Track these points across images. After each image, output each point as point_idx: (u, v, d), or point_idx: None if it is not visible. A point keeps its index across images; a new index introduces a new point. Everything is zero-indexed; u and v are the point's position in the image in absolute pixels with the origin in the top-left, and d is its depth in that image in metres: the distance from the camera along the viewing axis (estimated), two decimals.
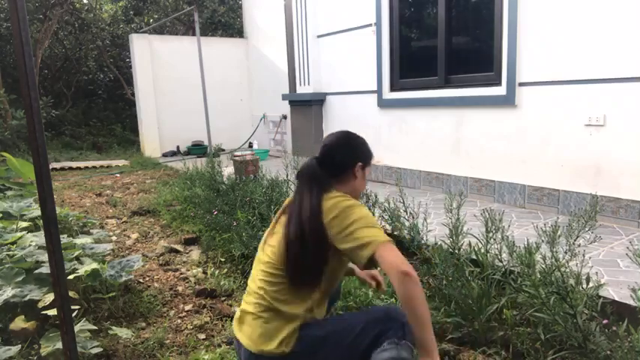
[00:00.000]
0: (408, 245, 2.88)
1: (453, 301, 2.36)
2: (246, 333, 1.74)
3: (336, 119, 6.38)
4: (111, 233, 4.35)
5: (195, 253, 3.79)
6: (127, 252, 3.93)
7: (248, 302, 1.80)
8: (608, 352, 1.83)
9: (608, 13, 3.54)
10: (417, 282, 1.54)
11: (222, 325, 2.67)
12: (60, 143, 10.86)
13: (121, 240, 4.24)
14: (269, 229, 1.90)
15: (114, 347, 2.44)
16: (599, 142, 3.70)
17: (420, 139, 5.20)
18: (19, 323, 2.40)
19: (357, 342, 1.62)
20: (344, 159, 1.87)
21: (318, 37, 6.48)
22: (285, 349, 1.66)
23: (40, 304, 2.42)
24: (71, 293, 2.53)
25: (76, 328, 2.17)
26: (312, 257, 1.68)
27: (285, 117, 8.39)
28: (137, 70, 9.07)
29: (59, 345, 2.07)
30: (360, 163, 1.89)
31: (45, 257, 2.65)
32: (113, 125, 12.11)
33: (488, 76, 4.50)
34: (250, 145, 9.26)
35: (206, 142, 8.34)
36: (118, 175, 7.67)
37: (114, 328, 2.47)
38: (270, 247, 1.80)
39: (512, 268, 2.33)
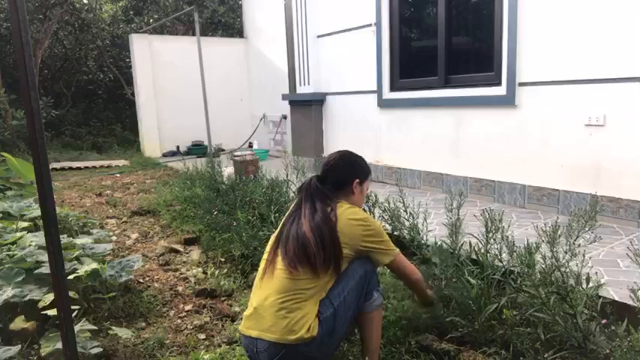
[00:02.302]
0: (408, 245, 2.88)
1: (452, 300, 2.36)
2: (268, 328, 1.82)
3: (336, 119, 6.38)
4: (111, 233, 4.35)
5: (195, 253, 3.79)
6: (127, 252, 3.93)
7: (262, 298, 1.88)
8: (608, 352, 1.83)
9: (608, 13, 3.54)
10: (422, 282, 2.25)
11: (222, 325, 2.68)
12: (60, 143, 10.86)
13: (121, 240, 4.24)
14: (270, 252, 2.02)
15: (114, 347, 2.44)
16: (599, 142, 3.69)
17: (420, 139, 5.20)
18: (19, 323, 2.40)
19: (356, 303, 1.96)
20: (342, 176, 2.10)
21: (318, 37, 6.48)
22: (313, 334, 1.80)
23: (40, 304, 2.42)
24: (71, 293, 2.53)
25: (76, 328, 2.17)
26: (335, 247, 1.90)
27: (285, 117, 8.39)
28: (137, 70, 9.07)
29: (59, 345, 2.07)
30: (357, 180, 2.11)
31: (45, 257, 2.65)
32: (113, 125, 12.11)
33: (488, 76, 4.50)
34: (250, 145, 9.26)
35: (206, 142, 8.34)
36: (118, 175, 7.68)
37: (114, 328, 2.47)
38: (279, 270, 1.91)
39: (512, 268, 2.33)
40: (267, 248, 2.04)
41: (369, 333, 2.05)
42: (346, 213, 1.98)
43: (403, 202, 3.03)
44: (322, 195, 2.01)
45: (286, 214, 2.10)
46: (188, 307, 2.91)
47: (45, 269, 2.61)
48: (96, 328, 2.45)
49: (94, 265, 2.77)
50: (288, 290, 1.84)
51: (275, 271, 1.90)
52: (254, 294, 1.96)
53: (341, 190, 2.08)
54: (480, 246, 2.55)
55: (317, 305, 1.85)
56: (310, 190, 2.03)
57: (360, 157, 2.21)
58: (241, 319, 2.70)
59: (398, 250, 2.10)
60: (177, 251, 3.86)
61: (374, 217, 3.26)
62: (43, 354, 2.17)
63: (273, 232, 3.27)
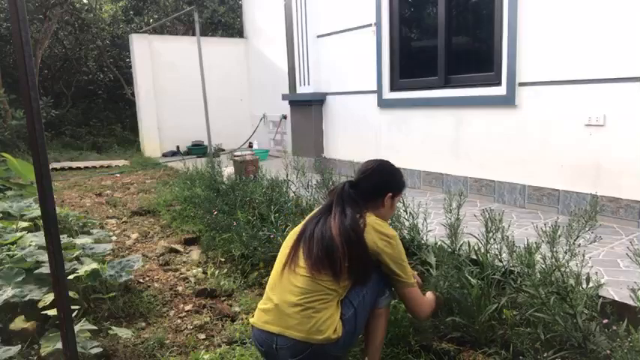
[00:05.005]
0: (408, 245, 2.88)
1: (453, 301, 2.36)
2: (293, 326, 1.81)
3: (336, 119, 6.38)
4: (111, 233, 4.35)
5: (195, 253, 3.79)
6: (127, 252, 3.93)
7: (284, 295, 1.85)
8: (608, 352, 1.83)
9: (608, 13, 3.54)
10: (429, 316, 2.17)
11: (222, 325, 2.68)
12: (60, 143, 10.86)
13: (121, 240, 4.24)
14: (291, 245, 1.97)
15: (114, 347, 2.45)
16: (599, 142, 3.69)
17: (420, 139, 5.20)
18: (19, 323, 2.40)
19: (373, 301, 1.97)
20: (376, 186, 2.06)
21: (318, 37, 6.48)
22: (339, 334, 1.82)
23: (40, 304, 2.42)
24: (71, 293, 2.53)
25: (76, 328, 2.17)
26: (362, 255, 1.89)
27: (285, 117, 8.39)
28: (137, 70, 9.07)
29: (59, 345, 2.07)
30: (390, 193, 2.07)
31: (45, 257, 2.65)
32: (113, 125, 12.11)
33: (488, 76, 4.50)
34: (250, 145, 9.26)
35: (206, 142, 8.34)
36: (118, 175, 7.68)
37: (114, 328, 2.47)
38: (301, 268, 1.88)
39: (512, 268, 2.33)
40: (288, 243, 1.99)
41: (375, 330, 2.03)
42: (374, 224, 1.94)
43: (403, 202, 3.03)
44: (353, 201, 1.97)
45: (311, 214, 2.06)
46: (188, 307, 2.91)
47: (45, 269, 2.61)
48: (96, 328, 2.45)
49: (94, 265, 2.77)
50: (313, 290, 1.82)
51: (297, 269, 1.87)
52: (273, 289, 1.91)
53: (371, 201, 2.03)
54: (480, 246, 2.55)
55: (340, 306, 1.87)
56: (342, 195, 1.98)
57: (398, 169, 2.16)
58: (242, 319, 2.71)
59: (414, 281, 2.02)
60: (177, 251, 3.86)
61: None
62: (43, 354, 2.17)
63: (274, 232, 3.30)
